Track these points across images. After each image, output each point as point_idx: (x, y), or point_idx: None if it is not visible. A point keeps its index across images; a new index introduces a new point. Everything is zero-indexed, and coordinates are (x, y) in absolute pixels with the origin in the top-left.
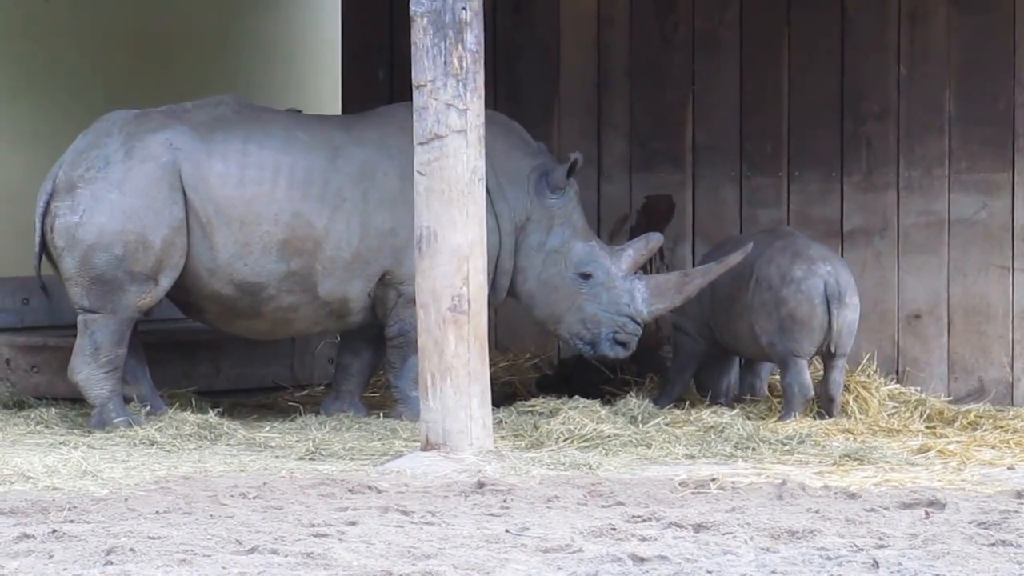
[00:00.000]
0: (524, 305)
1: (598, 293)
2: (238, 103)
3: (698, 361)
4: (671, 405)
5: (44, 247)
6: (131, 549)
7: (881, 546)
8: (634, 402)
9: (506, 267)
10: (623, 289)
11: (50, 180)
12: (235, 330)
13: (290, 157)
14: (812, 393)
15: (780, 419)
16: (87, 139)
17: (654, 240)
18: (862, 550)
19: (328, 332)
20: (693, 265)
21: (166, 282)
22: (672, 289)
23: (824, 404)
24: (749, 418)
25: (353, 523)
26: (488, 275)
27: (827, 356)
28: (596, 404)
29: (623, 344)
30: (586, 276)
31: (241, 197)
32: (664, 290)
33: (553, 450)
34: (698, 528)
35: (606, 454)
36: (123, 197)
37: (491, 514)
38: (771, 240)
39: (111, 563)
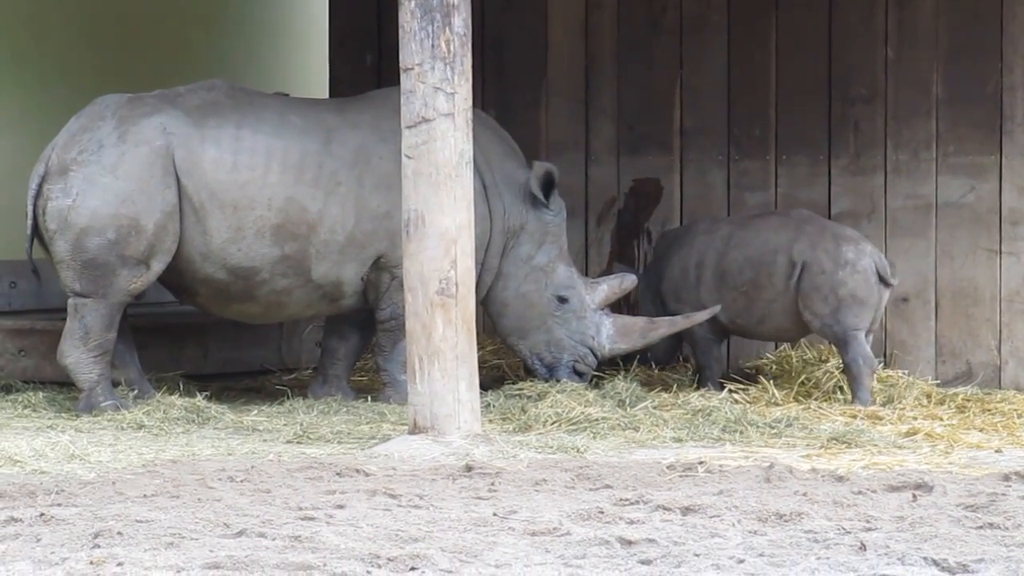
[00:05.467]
0: (492, 313)
1: (568, 319)
2: (231, 87)
3: (717, 341)
4: (716, 388)
5: (36, 230)
6: (119, 532)
7: (869, 529)
8: (622, 385)
9: (492, 265)
10: (592, 321)
11: (42, 163)
12: (228, 314)
13: (283, 141)
14: (876, 363)
15: (856, 400)
16: (80, 122)
17: (628, 281)
18: (849, 533)
19: (320, 315)
20: None
21: (158, 266)
22: (636, 333)
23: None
24: (736, 401)
25: (341, 506)
26: (476, 262)
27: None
28: (584, 387)
29: (580, 374)
30: (563, 300)
31: (234, 182)
32: (629, 331)
33: (541, 433)
34: (686, 511)
35: (594, 437)
36: (116, 181)
37: (479, 497)
38: (798, 225)
39: (99, 546)
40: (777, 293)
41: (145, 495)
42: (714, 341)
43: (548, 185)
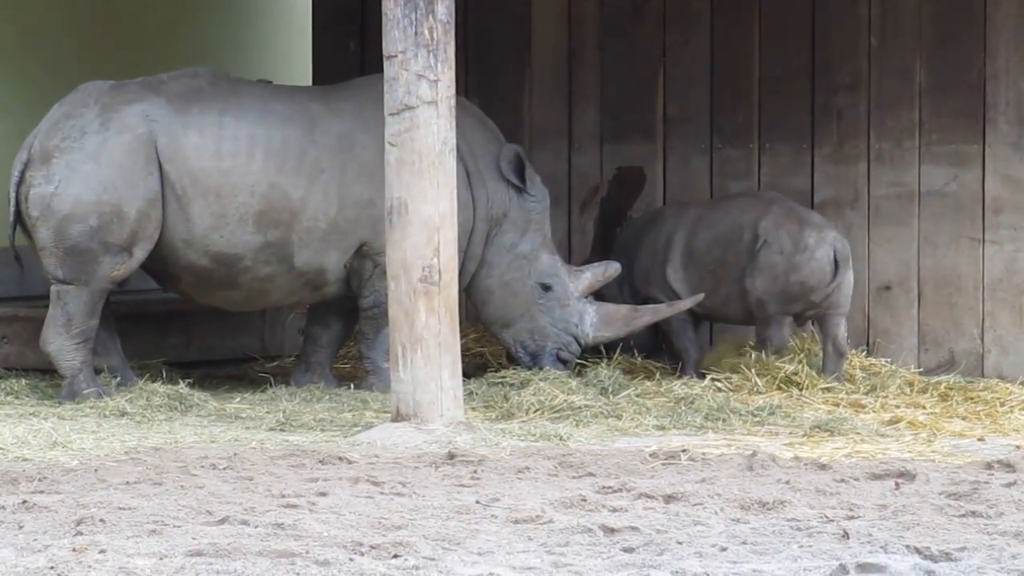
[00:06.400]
0: (476, 301)
1: (552, 307)
2: (214, 75)
3: (692, 322)
4: (695, 374)
5: (19, 217)
6: (101, 520)
7: (851, 517)
8: (604, 373)
9: (475, 253)
10: (575, 309)
11: (25, 150)
12: (211, 301)
13: (266, 129)
14: (789, 343)
15: (766, 341)
16: (62, 109)
17: (612, 269)
18: (832, 521)
19: (303, 303)
20: None
21: (140, 254)
22: (620, 321)
23: (835, 362)
24: (719, 390)
25: (323, 494)
26: (460, 249)
27: (826, 316)
28: (567, 375)
29: (564, 362)
30: (546, 288)
31: (217, 169)
32: (612, 320)
33: (524, 421)
34: (668, 499)
35: (577, 425)
36: (99, 168)
37: (462, 485)
38: (766, 204)
39: (81, 534)
40: (744, 272)
41: (128, 482)
42: (688, 322)
43: (519, 167)
